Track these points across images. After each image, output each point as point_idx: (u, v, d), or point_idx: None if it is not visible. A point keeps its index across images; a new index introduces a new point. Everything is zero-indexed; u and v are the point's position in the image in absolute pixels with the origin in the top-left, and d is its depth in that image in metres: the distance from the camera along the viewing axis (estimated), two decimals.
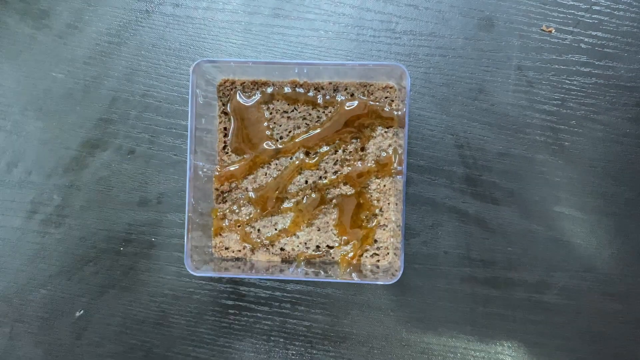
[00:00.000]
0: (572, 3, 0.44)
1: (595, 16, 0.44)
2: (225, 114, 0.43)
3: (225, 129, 0.43)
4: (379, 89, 0.42)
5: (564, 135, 0.45)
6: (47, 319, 0.47)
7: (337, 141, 0.42)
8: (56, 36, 0.47)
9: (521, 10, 0.45)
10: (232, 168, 0.43)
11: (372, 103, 0.42)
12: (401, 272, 0.38)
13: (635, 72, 0.44)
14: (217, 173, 0.43)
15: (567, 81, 0.44)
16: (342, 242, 0.43)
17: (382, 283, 0.38)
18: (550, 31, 0.44)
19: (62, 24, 0.47)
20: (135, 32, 0.47)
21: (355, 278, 0.39)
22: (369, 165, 0.42)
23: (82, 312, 0.47)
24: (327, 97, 0.42)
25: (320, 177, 0.43)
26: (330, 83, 0.42)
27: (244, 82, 0.43)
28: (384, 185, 0.42)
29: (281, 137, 0.43)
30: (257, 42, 0.46)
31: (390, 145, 0.42)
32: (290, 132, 0.43)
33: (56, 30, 0.47)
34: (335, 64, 0.39)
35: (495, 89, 0.45)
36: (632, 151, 0.44)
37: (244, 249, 0.43)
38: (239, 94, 0.43)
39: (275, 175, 0.43)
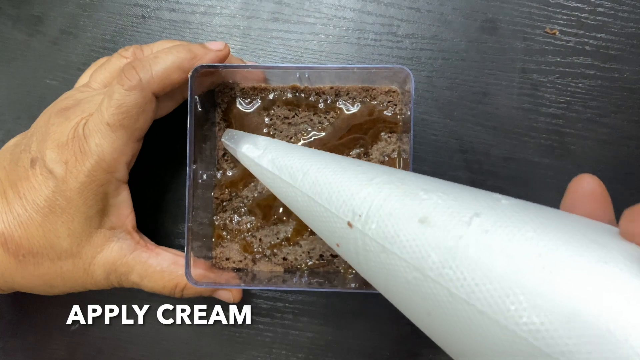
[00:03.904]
0: (575, 5, 0.44)
1: (599, 18, 0.44)
2: (225, 120, 0.42)
3: None
4: (381, 93, 0.41)
5: (569, 138, 0.44)
6: (41, 333, 0.46)
7: (339, 147, 0.41)
8: (50, 42, 0.46)
9: (524, 12, 0.44)
10: (231, 175, 0.42)
11: (378, 108, 0.41)
12: None
13: None
14: (216, 181, 0.42)
15: (572, 84, 0.44)
16: None
17: None
18: (555, 33, 0.44)
19: (56, 30, 0.46)
20: (131, 38, 0.46)
21: (362, 288, 0.38)
22: None
23: (77, 326, 0.45)
24: (329, 101, 0.41)
25: None
26: (331, 88, 0.41)
27: (243, 88, 0.42)
28: None
29: None
30: (256, 46, 0.45)
31: (394, 150, 0.41)
32: (291, 138, 0.42)
33: (50, 37, 0.46)
34: (338, 67, 0.38)
35: (500, 92, 0.44)
36: (639, 154, 0.44)
37: (245, 259, 0.42)
38: (238, 100, 0.42)
39: None
